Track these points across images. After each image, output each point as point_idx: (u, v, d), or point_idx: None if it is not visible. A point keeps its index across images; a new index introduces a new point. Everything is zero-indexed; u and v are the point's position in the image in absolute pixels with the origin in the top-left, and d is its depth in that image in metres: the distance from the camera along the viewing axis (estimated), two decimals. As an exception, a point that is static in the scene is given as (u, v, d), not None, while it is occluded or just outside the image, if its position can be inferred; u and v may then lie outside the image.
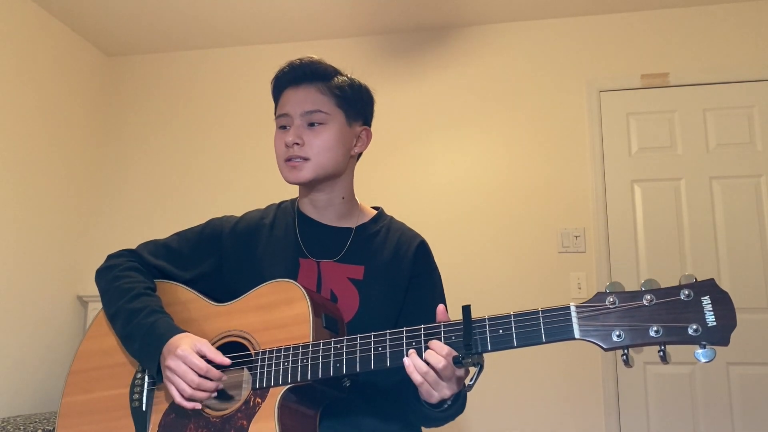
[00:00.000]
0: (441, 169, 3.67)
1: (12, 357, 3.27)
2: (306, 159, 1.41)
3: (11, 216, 3.31)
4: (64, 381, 1.45)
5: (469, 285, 3.42)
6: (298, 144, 1.41)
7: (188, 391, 1.22)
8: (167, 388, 1.25)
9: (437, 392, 1.14)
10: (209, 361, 1.24)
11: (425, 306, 1.43)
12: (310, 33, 3.89)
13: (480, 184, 3.61)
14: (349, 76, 1.50)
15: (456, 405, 1.25)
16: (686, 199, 3.41)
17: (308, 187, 1.48)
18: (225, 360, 1.25)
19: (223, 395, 1.32)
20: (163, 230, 1.70)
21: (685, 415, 3.19)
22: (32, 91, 3.49)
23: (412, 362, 1.13)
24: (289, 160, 1.43)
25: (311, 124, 1.43)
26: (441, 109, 3.75)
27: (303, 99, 1.43)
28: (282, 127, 1.46)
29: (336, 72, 1.48)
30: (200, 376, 1.22)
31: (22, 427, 2.79)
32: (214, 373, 1.23)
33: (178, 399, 1.23)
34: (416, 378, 1.13)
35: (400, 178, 3.68)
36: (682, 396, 3.21)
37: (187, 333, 1.30)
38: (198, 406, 1.23)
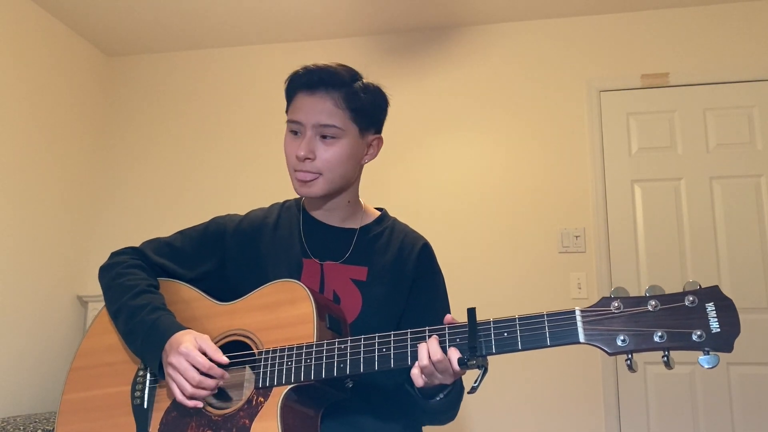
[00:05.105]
0: (440, 169, 3.68)
1: (12, 357, 3.27)
2: (317, 174, 1.40)
3: (11, 216, 3.31)
4: (65, 378, 1.45)
5: (469, 285, 3.42)
6: (309, 159, 1.39)
7: (189, 389, 1.21)
8: (169, 386, 1.25)
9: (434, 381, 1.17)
10: (209, 359, 1.24)
11: (428, 308, 1.44)
12: (311, 33, 3.89)
13: (480, 184, 3.61)
14: (365, 82, 1.44)
15: (450, 396, 1.27)
16: (686, 199, 3.41)
17: (317, 199, 1.48)
18: (223, 359, 1.24)
19: (225, 394, 1.32)
20: (163, 230, 1.69)
21: (685, 415, 3.20)
22: (32, 91, 3.49)
23: (427, 346, 1.14)
24: (298, 172, 1.41)
25: (323, 137, 1.40)
26: (441, 109, 3.75)
27: (318, 110, 1.39)
28: (293, 132, 1.44)
29: (353, 78, 1.43)
30: (202, 373, 1.22)
31: (22, 427, 2.79)
32: (217, 371, 1.23)
33: (180, 397, 1.22)
34: (423, 360, 1.14)
35: (399, 178, 3.68)
36: (682, 396, 3.22)
37: (189, 330, 1.30)
38: (199, 404, 1.23)
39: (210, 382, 1.22)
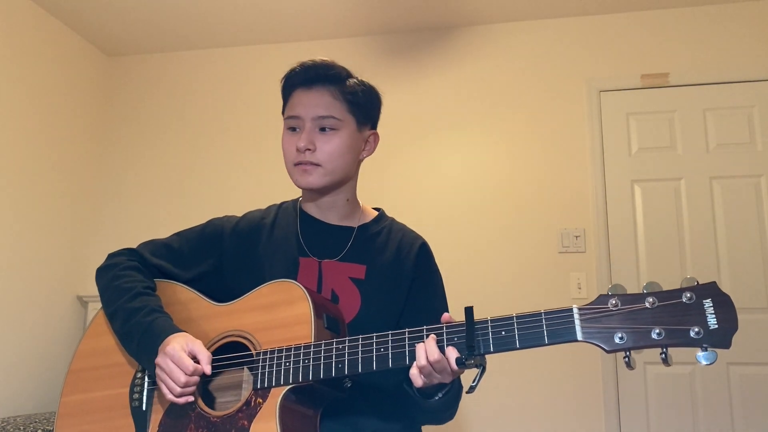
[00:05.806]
0: (440, 170, 3.67)
1: (12, 357, 3.27)
2: (317, 165, 1.41)
3: (11, 216, 3.31)
4: (63, 380, 1.45)
5: (468, 285, 3.42)
6: (309, 150, 1.40)
7: (177, 390, 1.22)
8: (159, 386, 1.26)
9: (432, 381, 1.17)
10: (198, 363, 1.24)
11: (427, 308, 1.44)
12: (311, 33, 3.89)
13: (480, 184, 3.61)
14: (359, 78, 1.48)
15: (449, 395, 1.26)
16: (686, 199, 3.41)
17: (316, 191, 1.48)
18: (207, 371, 1.23)
19: (223, 395, 1.32)
20: (163, 231, 1.70)
21: (685, 415, 3.20)
22: (32, 91, 3.49)
23: (425, 346, 1.13)
24: (299, 164, 1.42)
25: (322, 129, 1.42)
26: (440, 109, 3.74)
27: (315, 103, 1.42)
28: (291, 129, 1.45)
29: (348, 74, 1.46)
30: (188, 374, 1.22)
31: (22, 427, 2.79)
32: (199, 372, 1.23)
33: (170, 396, 1.23)
34: (421, 361, 1.13)
35: (399, 179, 3.68)
36: (682, 396, 3.22)
37: (183, 332, 1.30)
38: (190, 398, 1.23)
39: (195, 381, 1.23)
